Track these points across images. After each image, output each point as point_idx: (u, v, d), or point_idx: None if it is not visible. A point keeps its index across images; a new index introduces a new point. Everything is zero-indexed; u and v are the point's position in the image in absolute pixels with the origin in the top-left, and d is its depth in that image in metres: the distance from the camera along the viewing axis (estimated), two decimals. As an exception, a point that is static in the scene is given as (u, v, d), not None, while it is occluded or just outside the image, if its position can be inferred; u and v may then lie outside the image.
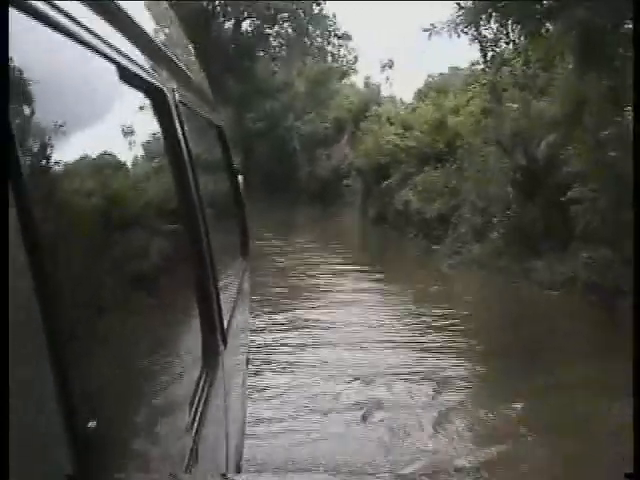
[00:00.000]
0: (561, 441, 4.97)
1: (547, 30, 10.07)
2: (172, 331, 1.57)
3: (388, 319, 8.63)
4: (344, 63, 28.90)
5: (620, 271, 7.94)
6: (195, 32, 10.54)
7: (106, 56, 1.11)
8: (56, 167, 0.88)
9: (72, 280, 0.88)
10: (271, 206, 19.17)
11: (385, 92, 26.30)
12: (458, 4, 10.73)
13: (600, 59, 8.82)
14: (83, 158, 1.03)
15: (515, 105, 11.80)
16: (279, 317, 8.61)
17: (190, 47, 2.83)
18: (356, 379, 6.36)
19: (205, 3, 25.14)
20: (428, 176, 14.97)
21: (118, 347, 1.06)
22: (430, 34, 10.99)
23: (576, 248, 9.29)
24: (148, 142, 1.58)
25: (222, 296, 2.16)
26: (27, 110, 0.79)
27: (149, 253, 1.42)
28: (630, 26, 8.43)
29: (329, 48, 27.96)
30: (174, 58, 1.92)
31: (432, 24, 11.04)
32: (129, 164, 1.37)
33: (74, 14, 0.92)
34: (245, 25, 27.46)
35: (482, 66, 12.79)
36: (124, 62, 1.21)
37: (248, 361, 3.87)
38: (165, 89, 1.61)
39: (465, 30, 10.84)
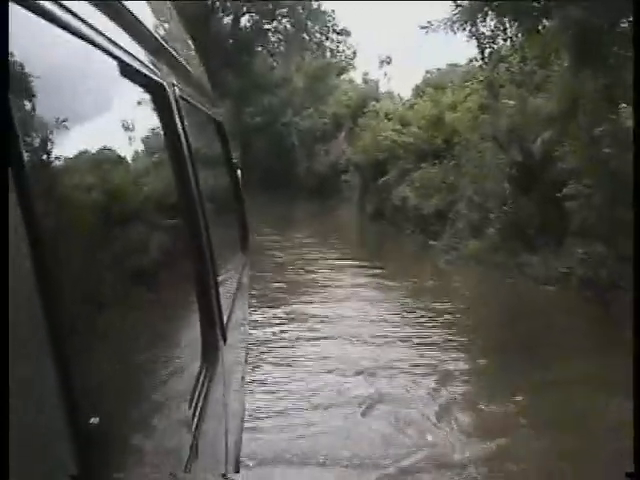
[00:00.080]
0: (559, 436, 4.99)
1: (544, 27, 10.09)
2: (172, 326, 1.57)
3: (386, 313, 8.66)
4: (342, 59, 28.85)
5: (615, 267, 7.96)
6: (195, 27, 10.51)
7: (106, 51, 1.10)
8: (56, 162, 0.88)
9: (72, 275, 0.88)
10: (269, 201, 19.15)
11: (383, 88, 26.27)
12: (455, 2, 10.77)
13: (595, 57, 8.84)
14: (83, 153, 1.03)
15: (512, 102, 11.81)
16: (278, 311, 8.64)
17: (190, 42, 2.83)
18: (358, 373, 6.39)
19: (205, -2, 25.05)
20: (426, 172, 14.97)
21: (118, 342, 1.06)
22: (427, 31, 11.04)
23: (571, 244, 9.32)
24: (148, 137, 1.58)
25: (222, 291, 2.16)
26: (27, 105, 0.79)
27: (149, 248, 1.42)
28: (626, 25, 8.45)
29: (328, 44, 27.91)
30: (174, 53, 1.92)
31: (429, 21, 11.11)
32: (129, 159, 1.37)
33: (75, 9, 0.92)
34: (244, 20, 27.40)
35: (479, 63, 12.80)
36: (124, 57, 1.21)
37: (247, 356, 3.88)
38: (165, 84, 1.61)
39: (462, 27, 10.87)
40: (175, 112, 1.69)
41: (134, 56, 1.30)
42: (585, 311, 8.12)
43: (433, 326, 8.00)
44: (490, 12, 10.48)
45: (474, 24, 11.04)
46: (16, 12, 0.73)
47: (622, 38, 8.28)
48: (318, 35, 27.67)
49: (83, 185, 1.02)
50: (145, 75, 1.42)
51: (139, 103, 1.52)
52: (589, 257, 8.76)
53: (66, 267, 0.85)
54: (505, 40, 11.32)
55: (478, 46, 11.85)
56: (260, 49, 27.62)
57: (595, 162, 8.94)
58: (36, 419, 0.70)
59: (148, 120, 1.58)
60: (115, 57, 1.16)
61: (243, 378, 3.56)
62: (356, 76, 29.19)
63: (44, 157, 0.84)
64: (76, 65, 1.04)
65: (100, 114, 1.21)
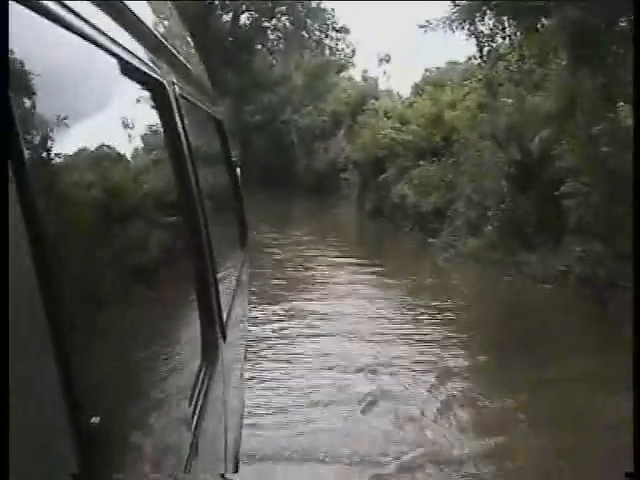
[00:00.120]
0: (557, 433, 5.01)
1: (543, 25, 10.09)
2: (172, 324, 1.57)
3: (385, 311, 8.67)
4: (342, 57, 28.80)
5: (613, 265, 7.97)
6: (194, 25, 10.51)
7: (106, 49, 1.10)
8: (57, 159, 0.88)
9: (72, 273, 0.88)
10: (268, 199, 19.15)
11: (382, 86, 26.26)
12: (453, 2, 10.79)
13: (593, 56, 8.85)
14: (83, 150, 1.03)
15: (510, 100, 11.81)
16: (277, 308, 8.65)
17: (190, 40, 2.83)
18: (358, 370, 6.40)
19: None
20: (424, 170, 14.98)
21: (118, 341, 1.06)
22: (426, 30, 11.07)
23: (569, 242, 9.33)
24: (148, 135, 1.58)
25: (221, 288, 2.16)
26: (28, 103, 0.79)
27: (149, 245, 1.42)
28: (624, 24, 8.46)
29: (327, 41, 27.86)
30: (174, 51, 1.92)
31: (428, 20, 11.14)
32: (129, 156, 1.37)
33: (75, 8, 0.92)
34: (243, 18, 27.35)
35: (478, 61, 12.80)
36: (124, 55, 1.21)
37: (246, 353, 3.88)
38: (165, 82, 1.61)
39: (460, 26, 10.89)
40: (175, 110, 1.70)
41: (134, 54, 1.30)
42: (583, 309, 8.13)
43: (432, 323, 8.02)
44: (489, 11, 10.50)
45: (473, 23, 11.06)
46: (16, 10, 0.73)
47: (620, 37, 8.29)
48: (317, 33, 27.62)
49: (83, 183, 1.02)
50: (145, 73, 1.42)
51: (139, 101, 1.52)
52: (587, 255, 8.77)
53: (66, 265, 0.85)
54: (504, 39, 11.34)
55: (477, 45, 11.86)
56: (259, 47, 27.58)
57: (593, 160, 8.95)
58: (37, 418, 0.70)
59: (148, 118, 1.58)
60: (115, 55, 1.16)
61: (242, 375, 3.56)
62: (355, 74, 29.22)
63: (45, 155, 0.84)
64: (76, 63, 1.04)
65: (100, 112, 1.21)
